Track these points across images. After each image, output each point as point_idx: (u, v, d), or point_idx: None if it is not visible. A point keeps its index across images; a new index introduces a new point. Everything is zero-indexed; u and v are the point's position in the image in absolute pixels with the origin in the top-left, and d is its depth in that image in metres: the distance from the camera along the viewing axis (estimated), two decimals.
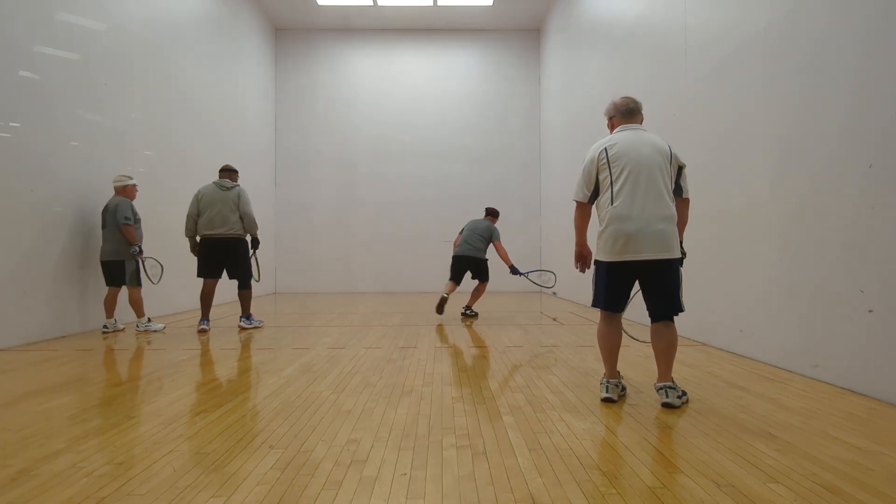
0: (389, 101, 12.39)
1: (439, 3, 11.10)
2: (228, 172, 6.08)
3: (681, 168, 3.05)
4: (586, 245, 3.20)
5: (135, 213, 5.71)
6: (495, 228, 7.15)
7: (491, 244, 7.00)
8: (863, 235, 3.11)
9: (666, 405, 2.86)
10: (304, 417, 2.74)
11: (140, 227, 5.80)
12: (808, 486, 1.90)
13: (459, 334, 5.57)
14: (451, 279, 6.99)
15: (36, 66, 5.19)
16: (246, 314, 6.03)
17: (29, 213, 5.08)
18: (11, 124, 4.91)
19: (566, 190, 9.84)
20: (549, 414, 2.78)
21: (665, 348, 2.91)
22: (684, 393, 2.96)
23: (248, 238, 6.06)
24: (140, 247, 5.69)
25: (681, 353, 4.37)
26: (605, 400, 3.01)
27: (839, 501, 1.79)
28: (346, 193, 12.32)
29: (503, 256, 6.95)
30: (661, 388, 2.90)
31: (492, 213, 7.39)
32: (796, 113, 3.69)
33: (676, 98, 5.42)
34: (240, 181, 6.10)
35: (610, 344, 3.04)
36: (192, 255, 5.98)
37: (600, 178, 2.99)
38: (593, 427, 2.58)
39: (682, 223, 3.09)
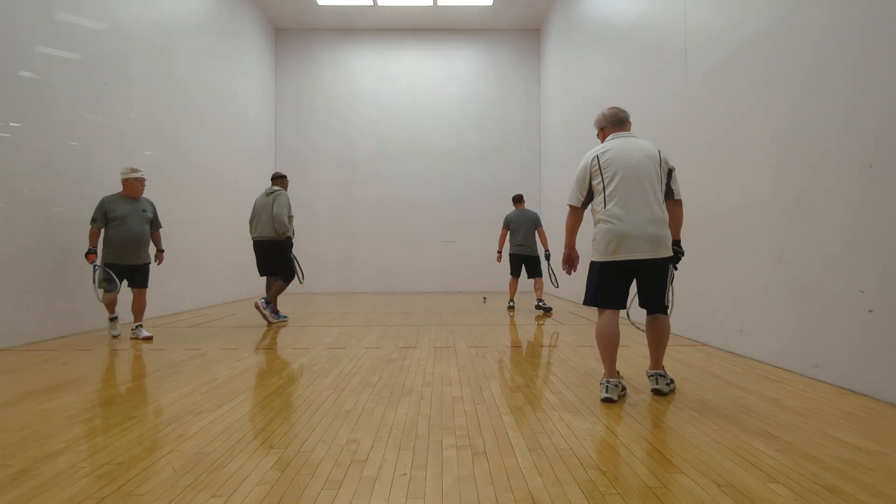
0: (389, 101, 12.39)
1: (439, 3, 11.10)
2: (276, 179, 6.66)
3: (671, 171, 3.16)
4: (575, 249, 3.36)
5: (106, 213, 5.16)
6: (538, 215, 7.73)
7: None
8: (863, 235, 3.11)
9: (655, 391, 3.11)
10: (304, 417, 2.74)
11: (121, 226, 5.19)
12: (808, 486, 1.90)
13: (459, 334, 5.57)
14: (514, 275, 7.68)
15: (36, 66, 5.19)
16: (269, 300, 6.32)
17: (29, 212, 5.08)
18: (11, 124, 4.91)
19: (566, 190, 9.83)
20: (549, 414, 2.78)
21: (658, 339, 3.14)
22: (672, 381, 3.20)
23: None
24: (90, 248, 5.11)
25: (681, 353, 4.37)
26: (605, 400, 3.02)
27: (839, 501, 1.79)
28: (346, 193, 12.32)
29: (544, 241, 7.63)
30: (652, 376, 3.15)
31: (522, 199, 7.89)
32: (796, 113, 3.69)
33: (676, 98, 5.42)
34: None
35: (608, 341, 3.07)
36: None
37: (593, 183, 3.14)
38: (593, 427, 2.58)
39: (677, 223, 3.23)
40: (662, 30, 5.74)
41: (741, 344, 4.30)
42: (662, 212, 3.04)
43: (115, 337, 5.34)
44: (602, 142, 3.31)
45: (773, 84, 3.94)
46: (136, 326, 5.35)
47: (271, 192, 6.40)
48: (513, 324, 6.44)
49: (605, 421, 2.68)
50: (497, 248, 7.79)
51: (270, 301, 6.32)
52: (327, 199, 12.30)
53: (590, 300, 3.15)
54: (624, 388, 3.12)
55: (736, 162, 4.41)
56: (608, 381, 3.05)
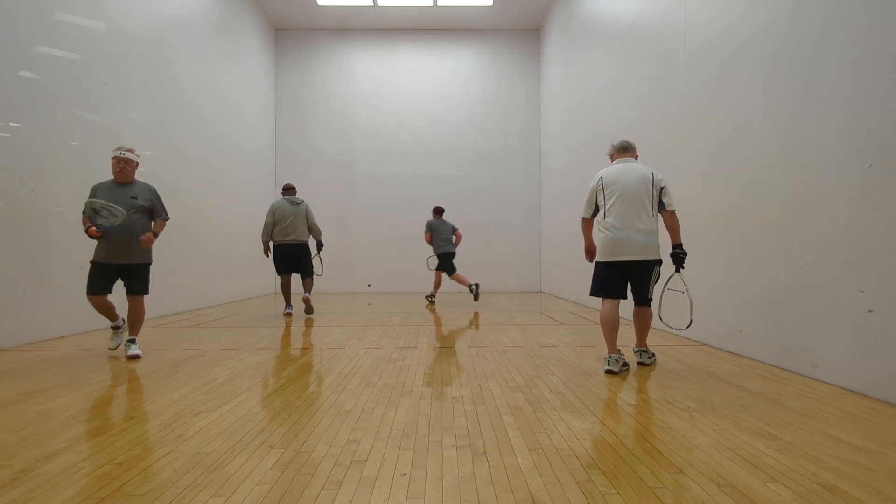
0: (389, 102, 12.39)
1: (439, 3, 11.10)
2: (293, 190, 7.53)
3: (662, 188, 3.81)
4: (592, 243, 4.10)
5: (92, 205, 4.36)
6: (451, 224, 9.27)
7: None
8: (863, 235, 3.11)
9: (640, 363, 3.93)
10: (304, 417, 2.74)
11: (100, 214, 4.33)
12: (808, 486, 1.90)
13: (459, 334, 5.57)
14: (445, 271, 8.97)
15: (36, 66, 5.19)
16: (308, 291, 7.39)
17: (29, 212, 5.08)
18: (11, 124, 4.91)
19: (566, 189, 9.88)
20: (549, 414, 2.78)
21: (643, 324, 3.94)
22: (653, 355, 4.02)
23: (314, 242, 7.61)
24: (89, 227, 4.28)
25: (681, 353, 4.37)
26: (608, 372, 3.72)
27: (839, 501, 1.79)
28: (346, 193, 12.32)
29: (458, 241, 9.14)
30: (637, 351, 3.98)
31: (443, 211, 9.25)
32: (796, 112, 3.69)
33: (677, 97, 5.42)
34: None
35: (609, 325, 3.79)
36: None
37: (598, 199, 3.91)
38: (593, 427, 2.58)
39: (674, 228, 3.86)
40: (663, 29, 5.74)
41: (741, 344, 4.30)
42: (651, 224, 3.74)
43: (111, 350, 4.59)
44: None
45: (773, 83, 3.94)
46: (128, 341, 4.46)
47: (298, 202, 7.32)
48: (513, 324, 6.44)
49: (605, 421, 2.68)
50: (429, 247, 9.10)
51: (309, 291, 7.40)
52: (327, 199, 12.29)
53: (594, 291, 3.92)
54: (626, 364, 3.80)
55: (736, 162, 4.41)
56: (610, 357, 3.78)
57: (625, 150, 4.02)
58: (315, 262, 7.65)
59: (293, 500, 1.82)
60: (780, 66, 3.87)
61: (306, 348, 4.82)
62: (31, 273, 5.09)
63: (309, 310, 7.30)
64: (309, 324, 6.61)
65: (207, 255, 8.72)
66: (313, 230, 7.43)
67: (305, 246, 7.34)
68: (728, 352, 4.43)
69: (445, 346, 4.89)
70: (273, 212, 7.25)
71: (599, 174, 3.93)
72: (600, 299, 3.88)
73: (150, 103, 7.20)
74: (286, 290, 7.41)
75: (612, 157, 4.10)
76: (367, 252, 12.24)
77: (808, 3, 3.59)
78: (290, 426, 2.60)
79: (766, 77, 4.03)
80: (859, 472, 2.02)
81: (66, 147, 5.60)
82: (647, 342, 4.03)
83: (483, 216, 12.33)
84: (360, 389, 3.30)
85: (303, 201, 7.37)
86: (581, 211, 4.10)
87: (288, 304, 7.44)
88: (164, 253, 7.40)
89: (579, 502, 1.80)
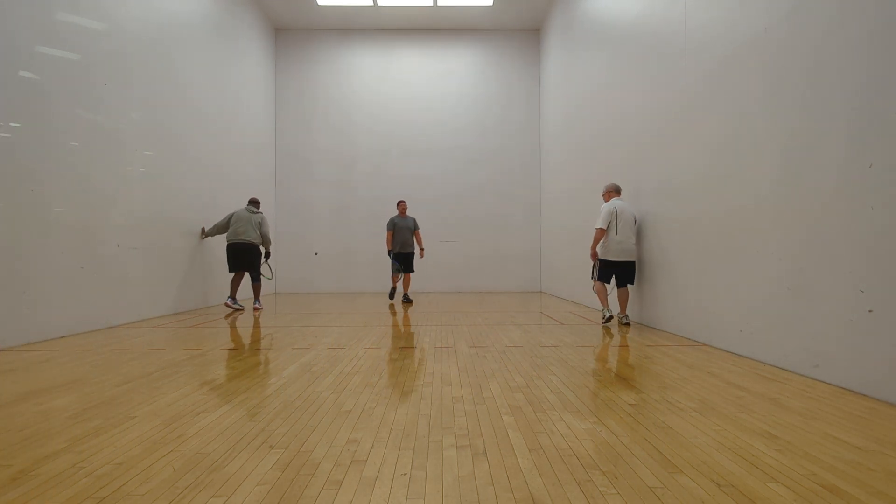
0: (389, 101, 12.39)
1: (439, 3, 11.10)
2: (257, 204, 8.53)
3: (636, 220, 6.16)
4: (596, 251, 6.28)
5: None
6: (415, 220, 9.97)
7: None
8: (863, 235, 3.11)
9: (625, 324, 6.05)
10: (304, 417, 2.74)
11: None
12: (808, 486, 1.90)
13: (459, 334, 5.57)
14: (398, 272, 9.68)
15: (36, 66, 5.19)
16: (257, 298, 8.43)
17: (29, 212, 5.08)
18: (11, 124, 4.91)
19: (566, 189, 9.88)
20: (549, 414, 2.78)
21: (624, 298, 6.15)
22: (630, 319, 6.23)
23: (263, 250, 8.49)
24: None
25: (681, 353, 4.37)
26: (607, 318, 6.13)
27: (839, 501, 1.79)
28: (346, 193, 12.33)
29: (420, 241, 9.73)
30: (620, 316, 6.14)
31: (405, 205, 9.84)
32: (796, 113, 3.69)
33: (677, 98, 5.42)
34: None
35: (603, 293, 6.22)
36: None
37: (611, 220, 6.06)
38: (593, 427, 2.58)
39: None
40: (663, 30, 5.74)
41: (741, 344, 4.30)
42: (634, 240, 6.09)
43: None
44: (606, 200, 6.35)
45: (773, 84, 3.94)
46: None
47: (256, 213, 8.30)
48: (513, 324, 6.45)
49: (605, 421, 2.68)
50: (388, 249, 9.39)
51: (258, 298, 8.43)
52: (327, 199, 12.30)
53: (598, 277, 6.25)
54: (612, 317, 6.15)
55: (736, 162, 4.41)
56: (604, 309, 6.19)
57: (618, 191, 6.34)
58: (264, 268, 8.73)
59: (293, 500, 1.82)
60: (780, 66, 3.87)
61: (306, 348, 4.81)
62: (31, 273, 5.09)
63: (256, 310, 8.19)
64: (309, 324, 6.61)
65: (208, 255, 8.72)
66: (264, 239, 8.32)
67: (254, 247, 8.18)
68: (728, 352, 4.43)
69: (445, 346, 4.89)
70: (230, 216, 8.28)
71: (612, 205, 6.09)
72: (594, 283, 6.30)
73: (150, 103, 7.20)
74: (235, 285, 8.23)
75: (609, 195, 6.31)
76: (367, 252, 12.23)
77: (810, 3, 3.59)
78: (290, 426, 2.60)
79: (766, 77, 4.03)
80: (859, 472, 2.02)
81: (67, 147, 5.60)
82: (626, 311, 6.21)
83: (483, 216, 12.34)
84: (360, 389, 3.30)
85: (259, 212, 8.34)
86: (596, 223, 6.19)
87: (232, 297, 8.19)
88: (163, 254, 7.42)
89: (579, 502, 1.80)
